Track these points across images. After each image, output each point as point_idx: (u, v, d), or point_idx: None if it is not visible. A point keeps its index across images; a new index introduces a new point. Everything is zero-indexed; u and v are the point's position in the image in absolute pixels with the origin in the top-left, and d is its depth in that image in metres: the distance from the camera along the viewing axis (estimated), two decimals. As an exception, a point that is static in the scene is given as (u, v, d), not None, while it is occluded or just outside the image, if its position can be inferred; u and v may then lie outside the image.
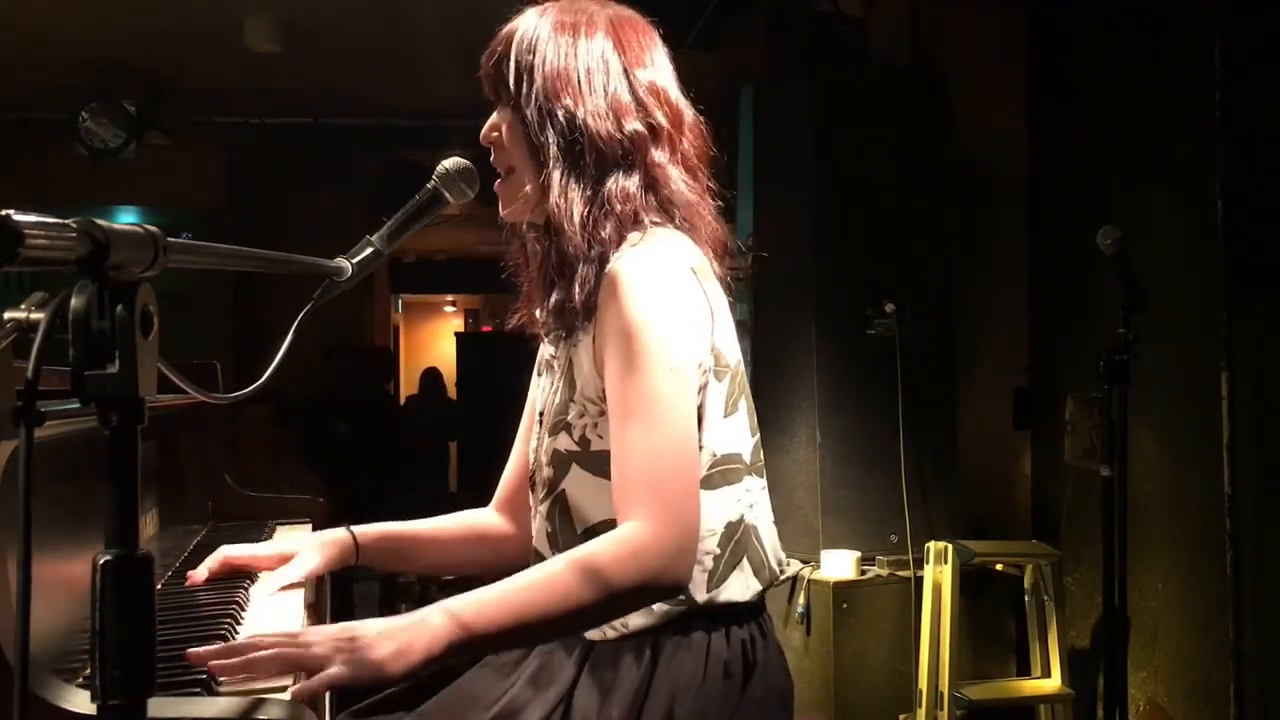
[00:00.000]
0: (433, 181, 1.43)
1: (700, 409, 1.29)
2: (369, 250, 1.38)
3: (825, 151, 3.25)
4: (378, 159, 5.60)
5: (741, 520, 1.34)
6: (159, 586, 1.63)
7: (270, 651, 1.12)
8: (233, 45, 4.30)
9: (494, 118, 1.41)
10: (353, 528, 1.57)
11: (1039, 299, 3.75)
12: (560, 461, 1.36)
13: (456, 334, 10.88)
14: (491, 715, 1.33)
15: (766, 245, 3.28)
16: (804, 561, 3.16)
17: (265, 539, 1.94)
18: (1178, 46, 3.05)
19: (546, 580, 1.19)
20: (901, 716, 3.06)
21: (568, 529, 1.36)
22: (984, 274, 3.71)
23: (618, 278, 1.25)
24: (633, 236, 1.30)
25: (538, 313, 1.43)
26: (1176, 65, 3.05)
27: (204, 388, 1.00)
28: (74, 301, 0.76)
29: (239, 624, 1.44)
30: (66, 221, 0.73)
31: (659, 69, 1.40)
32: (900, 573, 3.12)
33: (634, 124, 1.34)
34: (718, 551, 1.31)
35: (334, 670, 1.10)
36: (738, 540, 1.33)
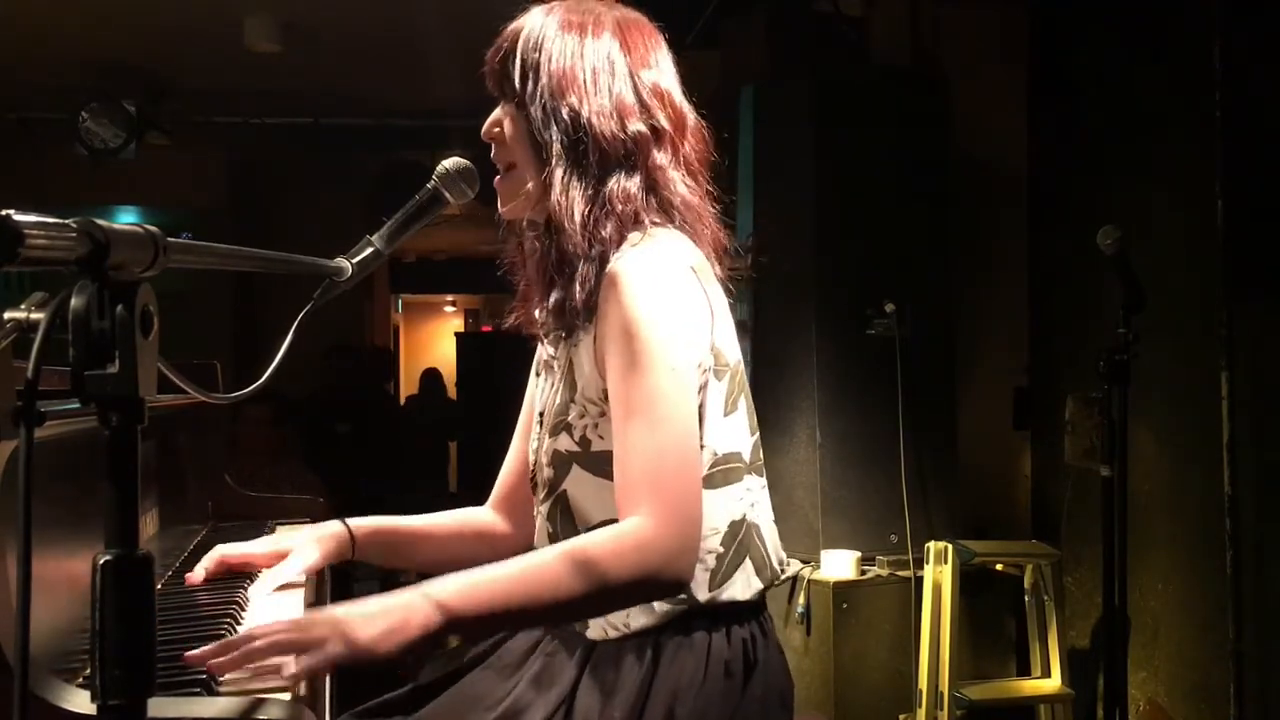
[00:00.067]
0: (433, 181, 1.43)
1: (700, 408, 1.29)
2: (369, 250, 1.38)
3: (825, 151, 3.25)
4: (378, 159, 5.60)
5: (745, 519, 1.34)
6: (159, 586, 1.63)
7: (265, 641, 1.12)
8: (233, 45, 4.30)
9: (496, 113, 1.41)
10: (348, 521, 1.56)
11: (1039, 299, 3.75)
12: (561, 462, 1.36)
13: (456, 334, 10.88)
14: (494, 717, 1.33)
15: (766, 245, 3.28)
16: (804, 561, 3.16)
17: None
18: (1178, 46, 3.05)
19: (542, 568, 1.19)
20: (901, 716, 3.06)
21: (569, 529, 1.36)
22: (984, 274, 3.71)
23: (618, 277, 1.25)
24: (633, 236, 1.31)
25: (536, 312, 1.43)
26: (1176, 65, 3.05)
27: (204, 388, 1.00)
28: (74, 301, 0.76)
29: (239, 624, 1.44)
30: (66, 221, 0.73)
31: (663, 72, 1.41)
32: (900, 573, 3.12)
33: (637, 125, 1.34)
34: (721, 550, 1.31)
35: (329, 650, 1.11)
36: (741, 539, 1.33)
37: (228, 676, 1.15)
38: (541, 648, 1.39)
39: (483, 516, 1.65)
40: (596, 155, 1.32)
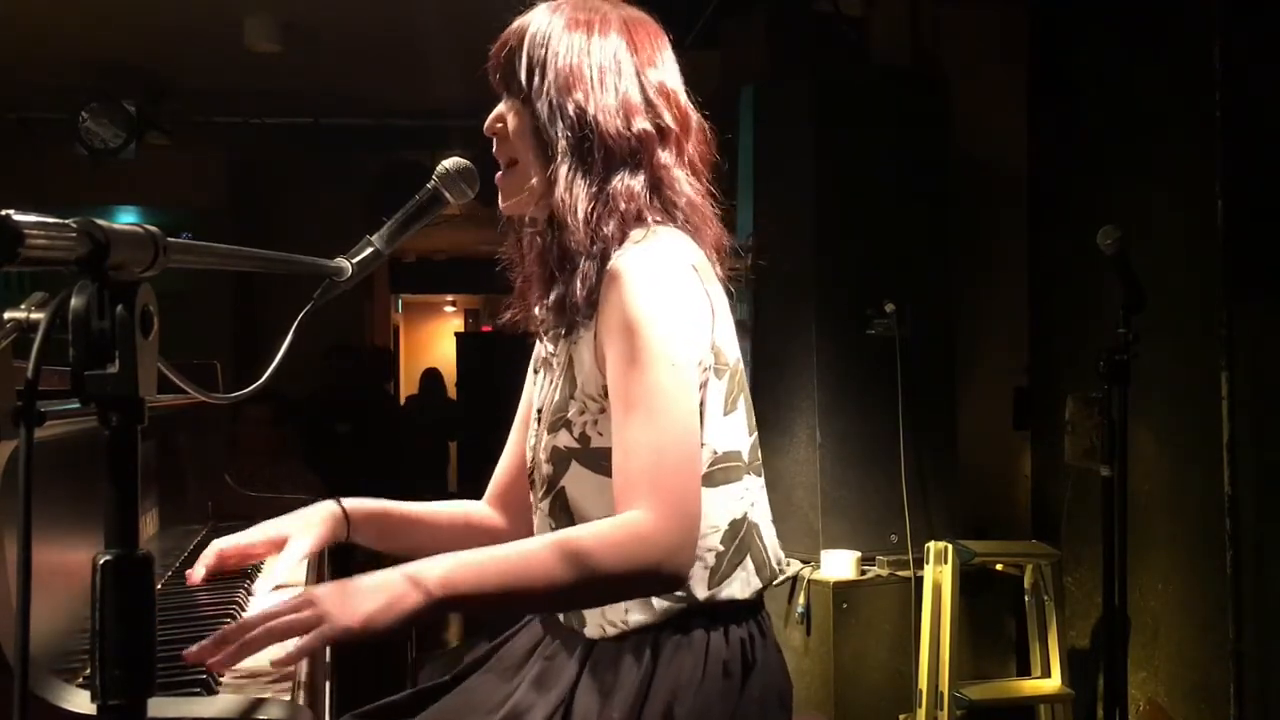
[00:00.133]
0: (433, 181, 1.43)
1: (700, 406, 1.29)
2: (369, 250, 1.38)
3: (825, 151, 3.25)
4: (378, 159, 5.60)
5: (745, 518, 1.35)
6: (159, 586, 1.63)
7: (261, 630, 1.12)
8: (233, 45, 4.30)
9: (500, 108, 1.41)
10: (343, 501, 1.56)
11: (1039, 299, 3.75)
12: (560, 459, 1.36)
13: (456, 334, 10.89)
14: None
15: (766, 245, 3.28)
16: (804, 561, 3.16)
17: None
18: (1178, 46, 3.05)
19: (539, 551, 1.19)
20: (901, 716, 3.06)
21: (568, 527, 1.35)
22: (984, 274, 3.71)
23: (620, 274, 1.26)
24: (635, 234, 1.31)
25: (536, 309, 1.43)
26: (1176, 65, 3.05)
27: (204, 388, 1.00)
28: (74, 301, 0.76)
29: (239, 624, 1.43)
30: (66, 221, 0.73)
31: (669, 71, 1.41)
32: (900, 573, 3.12)
33: (643, 123, 1.34)
34: (721, 549, 1.32)
35: (325, 629, 1.11)
36: (742, 538, 1.33)
37: (228, 669, 1.15)
38: (541, 650, 1.39)
39: (478, 510, 1.65)
40: (602, 152, 1.32)
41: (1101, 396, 2.49)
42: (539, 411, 1.45)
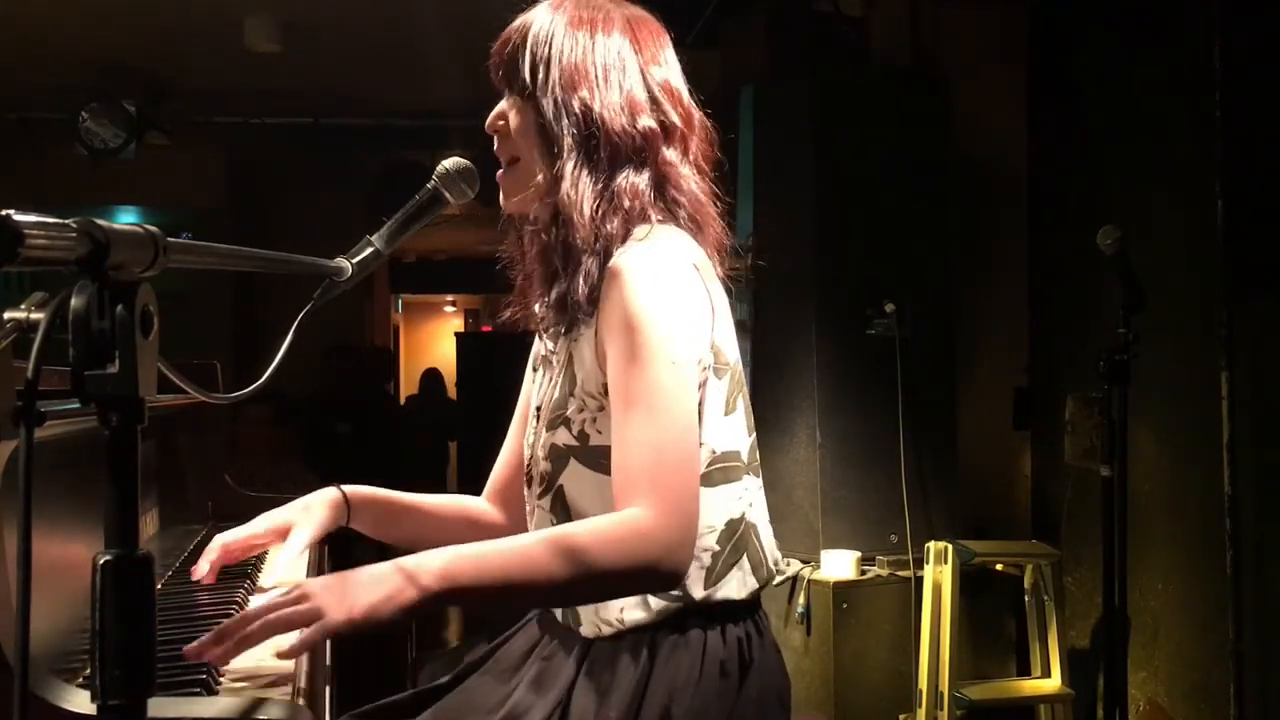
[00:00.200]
0: (433, 181, 1.43)
1: (700, 405, 1.29)
2: (369, 250, 1.38)
3: (825, 151, 3.25)
4: (378, 159, 5.60)
5: (743, 518, 1.34)
6: (159, 586, 1.63)
7: (260, 623, 1.12)
8: (233, 45, 4.30)
9: (501, 106, 1.41)
10: (344, 487, 1.55)
11: (1039, 299, 3.75)
12: (558, 456, 1.36)
13: (456, 334, 10.89)
14: (493, 721, 1.33)
15: (766, 245, 3.29)
16: (804, 561, 3.16)
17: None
18: (1178, 46, 3.05)
19: (539, 545, 1.18)
20: (901, 716, 3.06)
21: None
22: (984, 274, 3.71)
23: (622, 272, 1.25)
24: (638, 232, 1.31)
25: (536, 306, 1.43)
26: (1176, 65, 3.05)
27: (204, 388, 1.00)
28: (74, 301, 0.76)
29: (239, 624, 1.43)
30: (66, 221, 0.73)
31: (672, 69, 1.41)
32: (900, 573, 3.12)
33: (648, 121, 1.34)
34: (717, 549, 1.32)
35: (325, 622, 1.11)
36: (738, 538, 1.33)
37: (229, 667, 1.15)
38: (539, 651, 1.39)
39: (477, 504, 1.65)
40: (608, 150, 1.32)
41: (1101, 396, 2.49)
42: (537, 409, 1.45)
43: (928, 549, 3.03)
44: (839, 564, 3.08)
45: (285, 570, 1.51)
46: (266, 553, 1.65)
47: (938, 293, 3.36)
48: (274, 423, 4.37)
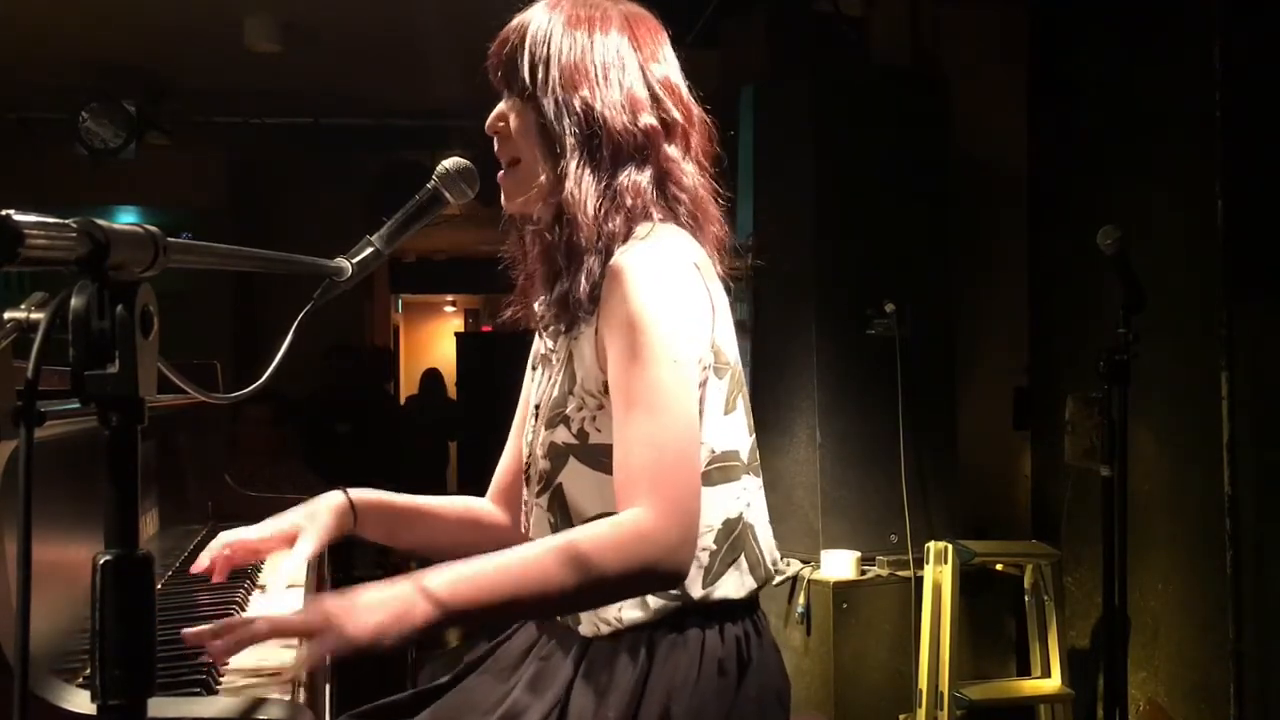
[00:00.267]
0: (433, 181, 1.42)
1: (700, 405, 1.29)
2: (369, 250, 1.38)
3: (825, 151, 3.25)
4: (378, 159, 5.60)
5: (740, 518, 1.34)
6: (159, 586, 1.63)
7: (265, 624, 1.12)
8: (233, 45, 4.30)
9: (501, 107, 1.41)
10: (349, 491, 1.55)
11: (1039, 299, 3.75)
12: (557, 455, 1.36)
13: (456, 334, 10.88)
14: (492, 720, 1.33)
15: (766, 245, 3.28)
16: (804, 561, 3.16)
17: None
18: (1178, 46, 3.05)
19: (541, 557, 1.18)
20: (901, 716, 3.06)
21: (565, 523, 1.35)
22: (984, 274, 3.71)
23: (623, 271, 1.25)
24: (639, 230, 1.31)
25: (536, 305, 1.43)
26: (1176, 65, 3.05)
27: (204, 388, 1.00)
28: (74, 301, 0.76)
29: (239, 624, 1.43)
30: (66, 221, 0.73)
31: (671, 66, 1.41)
32: (900, 573, 3.12)
33: (649, 118, 1.34)
34: (714, 548, 1.31)
35: (330, 641, 1.11)
36: (735, 538, 1.33)
37: (229, 667, 1.15)
38: (536, 651, 1.39)
39: (481, 506, 1.65)
40: (610, 149, 1.32)
41: (1101, 396, 2.49)
42: (536, 407, 1.45)
43: (928, 549, 3.03)
44: (839, 564, 3.08)
45: (287, 572, 1.50)
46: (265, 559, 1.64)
47: (938, 293, 3.36)
48: (274, 423, 4.37)
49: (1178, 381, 3.00)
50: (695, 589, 1.30)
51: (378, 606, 1.13)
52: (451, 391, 9.22)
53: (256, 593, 1.60)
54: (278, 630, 1.12)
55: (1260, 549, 2.75)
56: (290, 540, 1.49)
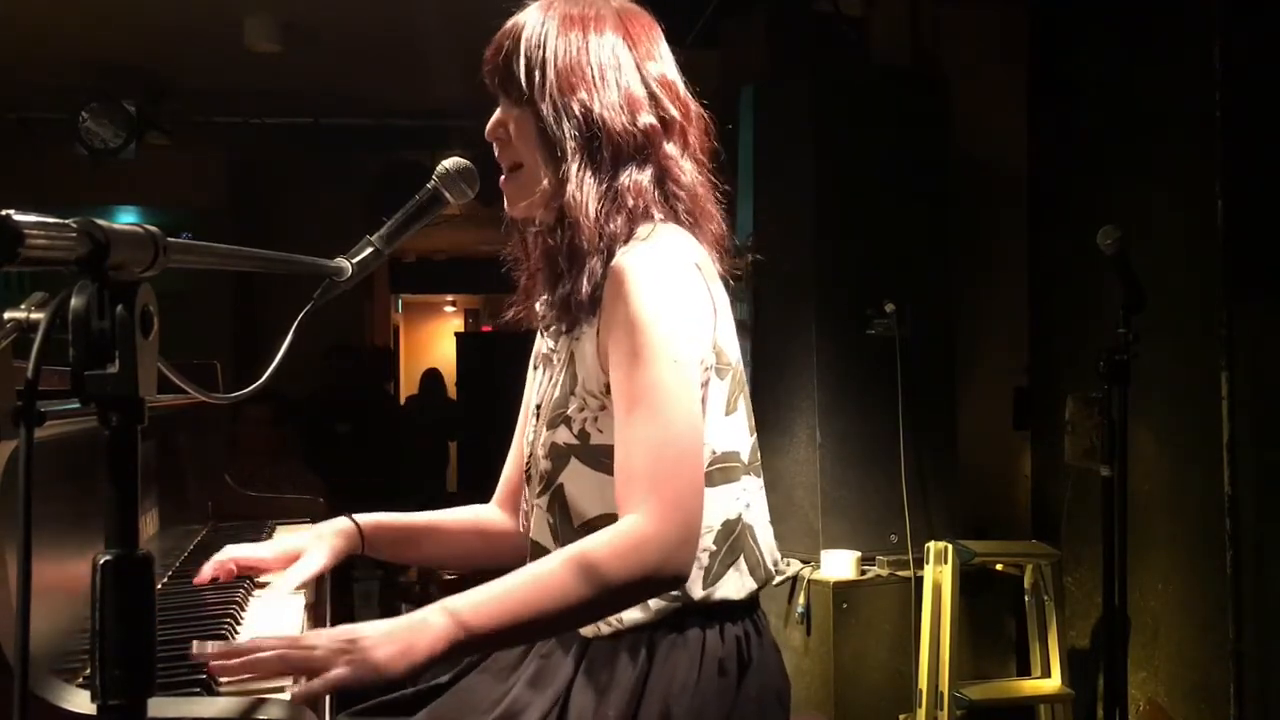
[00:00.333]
0: (433, 181, 1.42)
1: (701, 405, 1.29)
2: (369, 250, 1.38)
3: (825, 151, 3.25)
4: (378, 159, 5.60)
5: (739, 519, 1.34)
6: (159, 586, 1.63)
7: (272, 653, 1.12)
8: (233, 45, 4.30)
9: (499, 114, 1.41)
10: (355, 516, 1.57)
11: (1039, 299, 3.75)
12: (558, 455, 1.36)
13: (456, 334, 10.87)
14: (491, 719, 1.33)
15: (766, 245, 3.28)
16: (804, 561, 3.16)
17: (265, 539, 1.94)
18: (1178, 46, 3.05)
19: (546, 577, 1.18)
20: (901, 716, 3.06)
21: (566, 524, 1.36)
22: (984, 274, 3.71)
23: (624, 272, 1.25)
24: (641, 231, 1.31)
25: (538, 306, 1.43)
26: (1176, 65, 3.05)
27: (204, 388, 1.00)
28: (74, 301, 0.76)
29: (239, 624, 1.44)
30: (66, 221, 0.73)
31: (667, 63, 1.41)
32: (900, 573, 3.12)
33: (648, 118, 1.34)
34: (714, 549, 1.31)
35: (336, 672, 1.10)
36: (734, 539, 1.33)
37: (227, 679, 1.15)
38: (537, 650, 1.39)
39: (488, 514, 1.65)
40: (610, 150, 1.32)
41: (1101, 396, 2.48)
42: (537, 407, 1.45)
43: (928, 549, 3.03)
44: (839, 564, 3.08)
45: (292, 577, 1.50)
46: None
47: (938, 293, 3.36)
48: (274, 423, 4.37)
49: (1178, 381, 3.00)
50: (696, 590, 1.30)
51: (380, 642, 1.13)
52: (451, 391, 9.22)
53: (258, 593, 1.60)
54: (284, 663, 1.12)
55: (1260, 549, 2.75)
56: (294, 561, 1.51)
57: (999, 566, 3.26)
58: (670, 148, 1.35)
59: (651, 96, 1.36)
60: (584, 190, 1.30)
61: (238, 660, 1.13)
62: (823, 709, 3.01)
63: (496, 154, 1.42)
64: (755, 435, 1.40)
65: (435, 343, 11.94)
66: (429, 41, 3.97)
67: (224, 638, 1.32)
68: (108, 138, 4.86)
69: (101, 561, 0.78)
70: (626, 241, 1.30)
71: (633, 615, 1.29)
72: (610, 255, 1.28)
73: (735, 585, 1.33)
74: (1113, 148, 3.32)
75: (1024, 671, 3.29)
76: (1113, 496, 2.48)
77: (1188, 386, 2.98)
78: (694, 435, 1.25)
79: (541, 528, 1.40)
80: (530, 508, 1.43)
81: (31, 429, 0.73)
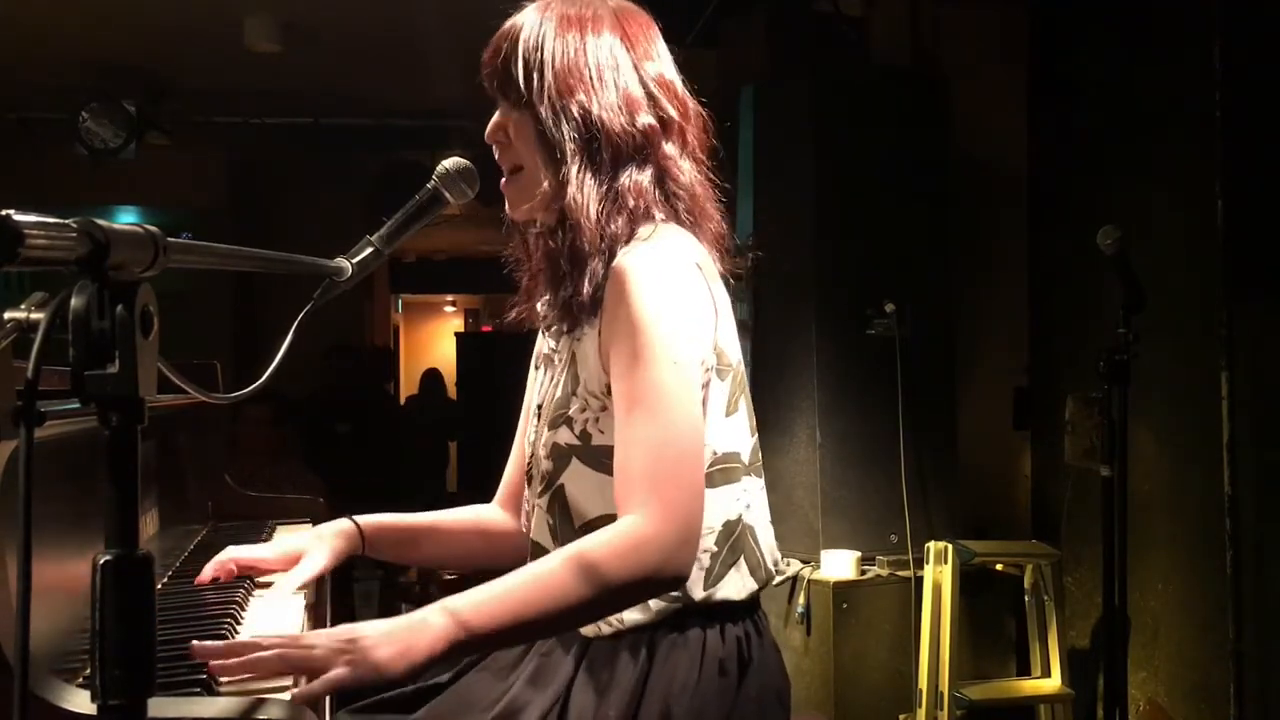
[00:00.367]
0: (433, 181, 1.42)
1: (702, 406, 1.29)
2: (369, 250, 1.38)
3: (825, 151, 3.25)
4: (378, 159, 5.60)
5: (740, 520, 1.34)
6: (159, 586, 1.63)
7: (272, 653, 1.12)
8: (233, 45, 4.30)
9: (499, 117, 1.40)
10: (355, 518, 1.57)
11: (1039, 299, 3.75)
12: (560, 455, 1.36)
13: (456, 334, 10.88)
14: (491, 717, 1.33)
15: (766, 245, 3.28)
16: (804, 561, 3.16)
17: (265, 539, 1.94)
18: (1178, 46, 3.05)
19: (545, 577, 1.19)
20: (901, 716, 3.06)
21: (566, 524, 1.36)
22: (984, 274, 3.71)
23: (625, 273, 1.25)
24: (642, 231, 1.31)
25: (540, 306, 1.43)
26: (1176, 65, 3.05)
27: (204, 388, 1.00)
28: (74, 301, 0.76)
29: (239, 624, 1.44)
30: (66, 221, 0.73)
31: (665, 62, 1.41)
32: (900, 573, 3.12)
33: (647, 118, 1.34)
34: (715, 550, 1.32)
35: (336, 672, 1.10)
36: (735, 539, 1.33)
37: (227, 678, 1.15)
38: (536, 648, 1.39)
39: (489, 514, 1.65)
40: (609, 152, 1.32)
41: (1101, 396, 2.48)
42: (539, 407, 1.45)
43: (928, 549, 3.03)
44: (839, 564, 3.08)
45: (294, 578, 1.51)
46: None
47: (938, 293, 3.36)
48: (274, 423, 4.37)
49: (1178, 381, 3.00)
50: (697, 590, 1.30)
51: (379, 643, 1.13)
52: (451, 391, 9.22)
53: (258, 593, 1.60)
54: (284, 662, 1.12)
55: (1260, 549, 2.75)
56: (293, 561, 1.51)
57: (999, 566, 3.26)
58: (669, 147, 1.35)
59: (649, 96, 1.36)
60: (584, 192, 1.30)
61: (237, 660, 1.13)
62: (823, 709, 3.01)
63: (497, 157, 1.42)
64: (756, 436, 1.40)
65: (435, 343, 11.94)
66: (429, 41, 3.97)
67: (224, 638, 1.32)
68: (108, 138, 4.86)
69: (101, 561, 0.78)
70: (628, 242, 1.30)
71: (633, 615, 1.29)
72: (612, 256, 1.28)
73: (736, 586, 1.33)
74: (1113, 148, 3.32)
75: (1024, 671, 3.29)
76: (1113, 496, 2.48)
77: (1188, 386, 2.98)
78: (694, 436, 1.25)
79: (541, 528, 1.40)
80: (532, 507, 1.43)
81: (31, 429, 0.73)
